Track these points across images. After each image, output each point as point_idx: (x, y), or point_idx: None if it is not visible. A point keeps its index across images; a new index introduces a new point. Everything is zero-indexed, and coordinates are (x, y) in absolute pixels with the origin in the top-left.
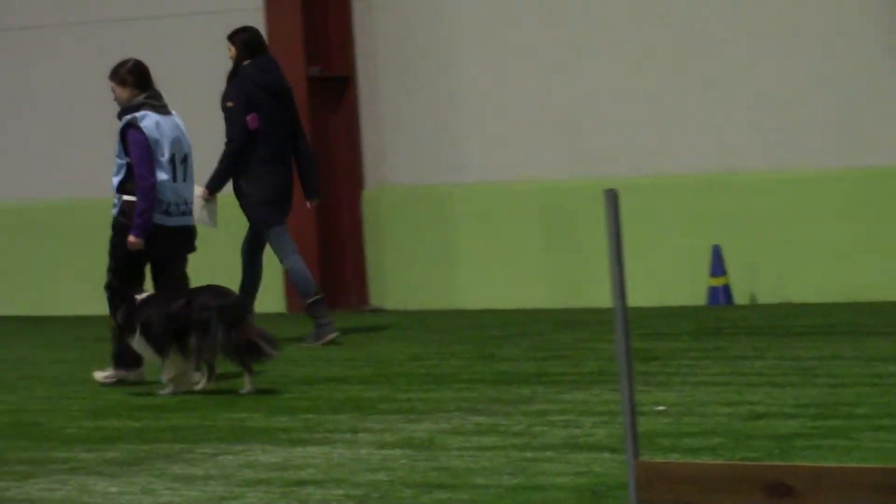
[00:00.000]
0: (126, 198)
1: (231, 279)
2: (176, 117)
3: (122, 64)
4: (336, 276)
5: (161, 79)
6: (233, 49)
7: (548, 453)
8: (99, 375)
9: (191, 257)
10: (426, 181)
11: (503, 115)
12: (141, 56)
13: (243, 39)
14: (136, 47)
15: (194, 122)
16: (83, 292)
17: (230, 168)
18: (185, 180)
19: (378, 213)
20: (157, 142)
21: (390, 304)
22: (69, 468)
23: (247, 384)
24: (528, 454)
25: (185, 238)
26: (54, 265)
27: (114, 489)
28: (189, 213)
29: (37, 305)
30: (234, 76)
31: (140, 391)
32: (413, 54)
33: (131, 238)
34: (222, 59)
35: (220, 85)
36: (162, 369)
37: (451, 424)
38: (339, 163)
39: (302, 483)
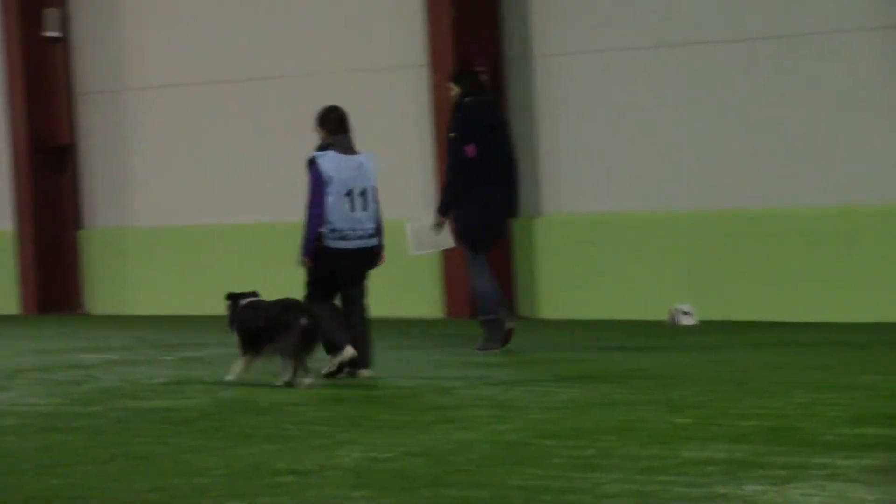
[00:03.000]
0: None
1: None
2: (362, 157)
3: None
4: None
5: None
6: (455, 88)
7: None
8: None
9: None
10: None
11: None
12: None
13: (467, 80)
14: None
15: None
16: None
17: (454, 194)
18: (364, 210)
19: None
20: (331, 178)
21: None
22: (827, 474)
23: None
24: None
25: (360, 258)
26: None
27: (870, 497)
28: (366, 236)
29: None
30: (456, 111)
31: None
32: None
33: (300, 257)
34: None
35: None
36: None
37: None
38: None
39: None
